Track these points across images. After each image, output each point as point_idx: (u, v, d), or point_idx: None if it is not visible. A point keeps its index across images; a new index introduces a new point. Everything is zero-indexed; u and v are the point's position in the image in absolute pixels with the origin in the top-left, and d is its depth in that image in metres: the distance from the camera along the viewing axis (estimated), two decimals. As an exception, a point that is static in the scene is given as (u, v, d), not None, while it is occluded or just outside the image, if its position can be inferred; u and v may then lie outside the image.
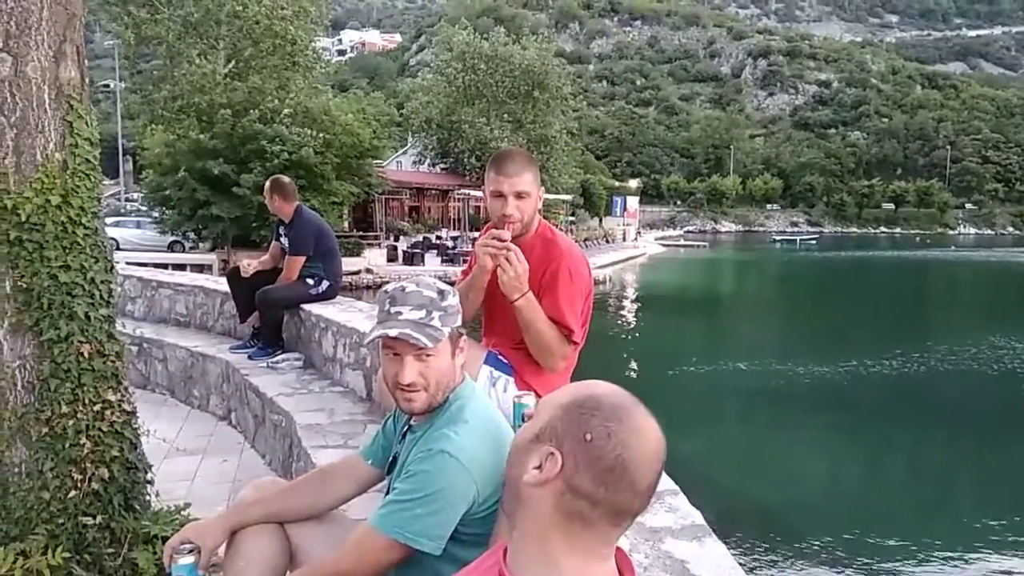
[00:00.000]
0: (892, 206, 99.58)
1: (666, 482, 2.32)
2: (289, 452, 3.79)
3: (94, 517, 2.36)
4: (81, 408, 2.35)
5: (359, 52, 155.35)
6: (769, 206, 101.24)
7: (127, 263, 10.44)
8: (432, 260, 27.72)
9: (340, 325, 4.53)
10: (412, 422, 1.71)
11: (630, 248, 47.95)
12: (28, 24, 2.19)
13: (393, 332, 1.57)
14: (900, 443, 11.07)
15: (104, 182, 2.66)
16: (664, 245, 57.45)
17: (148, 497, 2.64)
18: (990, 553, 7.22)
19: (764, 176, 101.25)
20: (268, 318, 5.15)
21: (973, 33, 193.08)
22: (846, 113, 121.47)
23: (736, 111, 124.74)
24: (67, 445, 2.32)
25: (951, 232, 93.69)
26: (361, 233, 31.05)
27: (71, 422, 2.33)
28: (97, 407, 2.39)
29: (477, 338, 2.63)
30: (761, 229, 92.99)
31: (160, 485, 2.75)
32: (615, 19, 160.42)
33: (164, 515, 2.60)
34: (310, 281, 5.18)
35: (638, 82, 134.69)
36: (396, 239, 32.94)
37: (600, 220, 57.63)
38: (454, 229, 38.81)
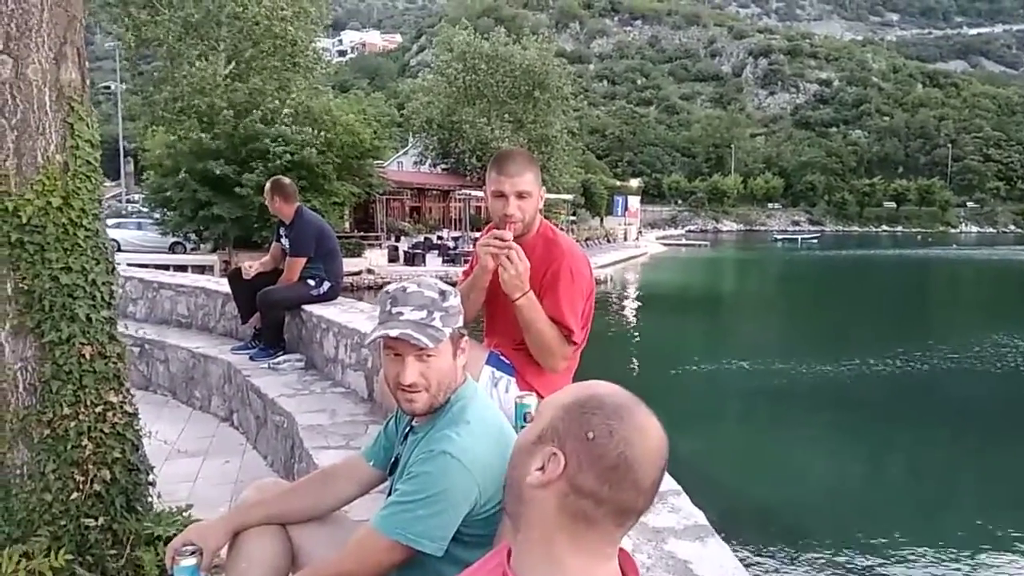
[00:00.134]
0: (893, 205, 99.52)
1: (669, 482, 2.32)
2: (291, 453, 3.78)
3: (96, 519, 2.36)
4: (83, 410, 2.35)
5: (360, 53, 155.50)
6: (770, 205, 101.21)
7: (128, 264, 10.44)
8: (433, 260, 27.72)
9: (341, 326, 4.53)
10: (414, 423, 1.71)
11: (631, 248, 47.92)
12: (28, 26, 2.19)
13: (394, 332, 1.57)
14: (902, 442, 11.05)
15: (105, 184, 2.66)
16: (665, 244, 57.43)
17: (150, 498, 2.64)
18: (993, 552, 7.21)
19: (765, 175, 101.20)
20: (269, 319, 5.15)
21: (974, 31, 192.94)
22: (847, 112, 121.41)
23: (737, 110, 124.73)
24: (69, 447, 2.32)
25: (953, 230, 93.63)
26: (362, 234, 31.07)
27: (73, 424, 2.33)
28: (99, 409, 2.39)
29: (479, 338, 2.63)
30: (762, 228, 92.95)
31: (162, 486, 2.76)
32: (615, 19, 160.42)
33: (166, 516, 2.61)
34: (311, 282, 5.18)
35: (639, 81, 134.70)
36: (397, 240, 32.95)
37: (601, 220, 57.64)
38: (455, 229, 38.80)
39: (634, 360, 15.63)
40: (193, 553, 1.64)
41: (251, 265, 5.31)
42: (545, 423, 1.04)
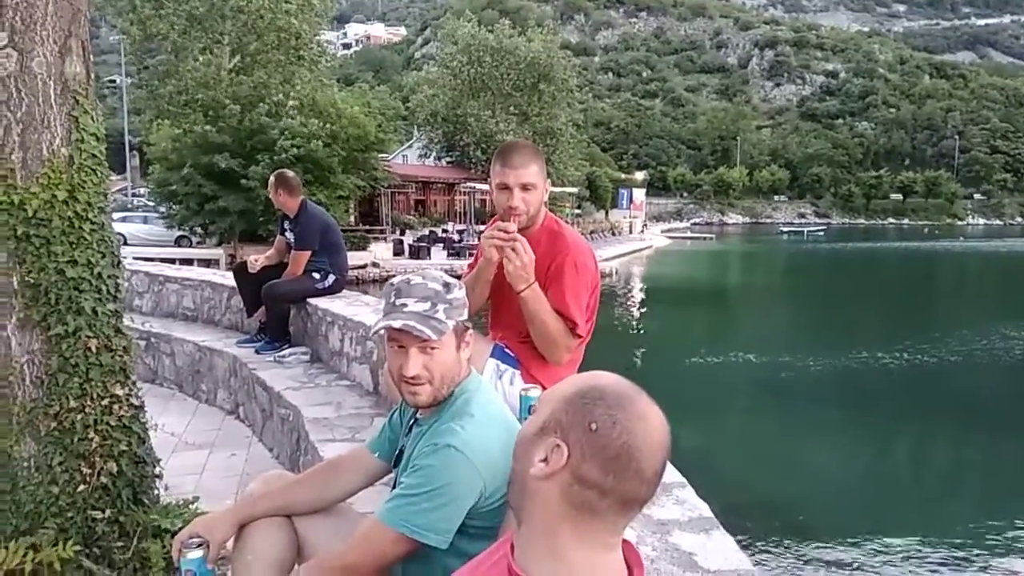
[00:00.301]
0: (900, 197, 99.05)
1: (673, 474, 2.32)
2: (296, 446, 3.80)
3: (103, 511, 2.38)
4: (89, 403, 2.36)
5: (364, 45, 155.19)
6: (776, 197, 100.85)
7: (134, 258, 10.47)
8: (438, 254, 27.72)
9: (346, 319, 4.54)
10: (418, 415, 1.71)
11: (636, 240, 47.85)
12: (33, 19, 2.19)
13: (397, 324, 1.57)
14: (908, 435, 11.04)
15: (111, 177, 2.66)
16: (670, 237, 57.33)
17: (157, 491, 2.65)
18: (999, 544, 7.21)
19: (771, 167, 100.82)
20: (275, 312, 5.16)
21: (982, 22, 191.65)
22: (853, 103, 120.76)
23: (743, 102, 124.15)
24: (75, 439, 2.33)
25: (959, 222, 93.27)
26: (367, 227, 31.09)
27: (79, 417, 2.34)
28: (105, 402, 2.40)
29: (483, 331, 2.63)
30: (768, 221, 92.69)
31: (168, 479, 2.77)
32: (620, 10, 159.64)
33: (173, 509, 2.62)
34: (316, 275, 5.19)
35: (644, 74, 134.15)
36: (402, 233, 32.97)
37: (606, 213, 57.57)
38: (460, 222, 38.81)
39: (639, 353, 15.63)
40: (200, 545, 1.65)
41: (256, 259, 5.32)
42: (547, 415, 1.04)
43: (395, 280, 1.67)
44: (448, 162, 44.63)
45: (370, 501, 2.10)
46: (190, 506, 2.69)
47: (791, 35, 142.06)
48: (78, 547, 2.27)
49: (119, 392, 2.44)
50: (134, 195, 44.06)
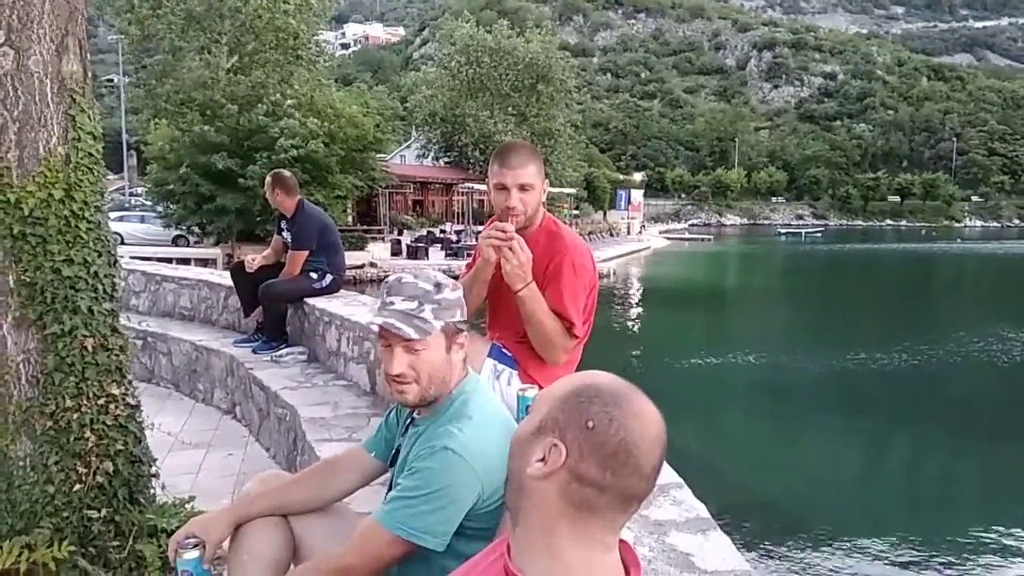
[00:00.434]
0: (898, 199, 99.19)
1: (670, 475, 2.32)
2: (293, 445, 3.79)
3: (99, 510, 2.37)
4: (85, 402, 2.35)
5: (363, 46, 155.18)
6: (774, 199, 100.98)
7: (131, 257, 10.45)
8: (436, 254, 27.72)
9: (344, 319, 4.54)
10: (415, 415, 1.71)
11: (634, 241, 47.85)
12: (30, 18, 2.18)
13: (379, 320, 1.59)
14: (906, 436, 11.06)
15: (108, 177, 2.66)
16: (668, 238, 57.34)
17: (153, 490, 2.65)
18: (997, 546, 7.22)
19: (769, 169, 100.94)
20: (272, 312, 5.16)
21: (980, 24, 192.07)
22: (851, 105, 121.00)
23: (741, 104, 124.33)
24: (71, 439, 2.33)
25: (957, 224, 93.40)
26: (365, 227, 31.08)
27: (75, 416, 2.33)
28: (101, 401, 2.39)
29: (481, 331, 2.63)
30: (766, 222, 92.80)
31: (165, 478, 2.76)
32: (619, 11, 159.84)
33: (169, 508, 2.61)
34: (313, 275, 5.18)
35: (642, 75, 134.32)
36: (400, 233, 32.96)
37: (604, 213, 57.58)
38: (458, 223, 38.81)
39: (637, 354, 15.63)
40: (196, 546, 1.64)
41: (254, 258, 5.32)
42: (543, 414, 1.04)
43: (390, 278, 1.68)
44: (446, 162, 44.62)
45: (367, 500, 2.10)
46: (186, 506, 2.68)
47: (789, 37, 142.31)
48: (73, 547, 2.27)
49: (115, 391, 2.43)
50: (131, 194, 43.97)
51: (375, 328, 1.62)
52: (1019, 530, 7.54)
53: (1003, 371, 14.68)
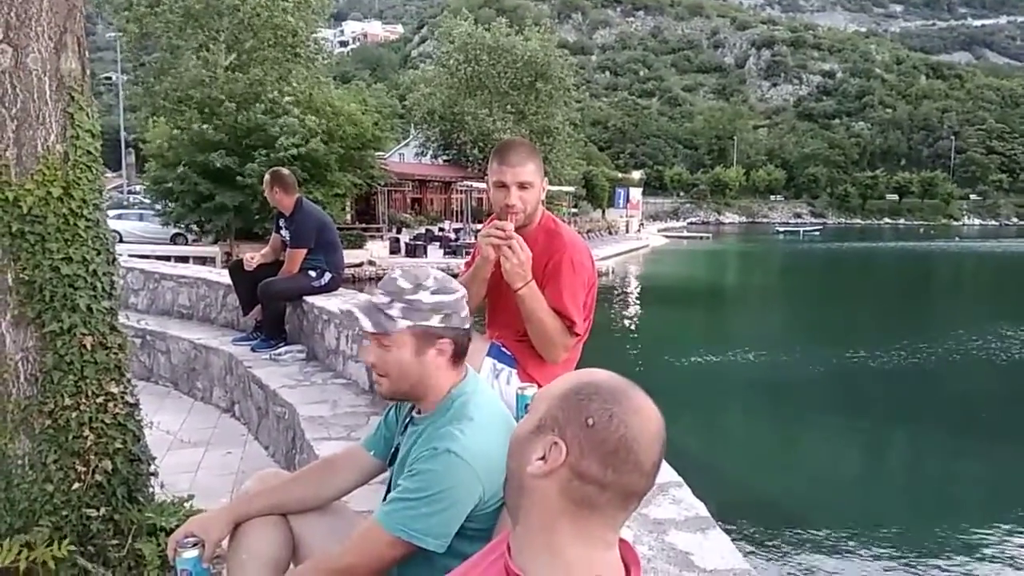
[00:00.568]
0: (896, 197, 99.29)
1: (670, 473, 2.32)
2: (292, 444, 3.79)
3: (98, 509, 2.36)
4: (84, 400, 2.35)
5: (361, 43, 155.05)
6: (773, 197, 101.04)
7: (130, 255, 10.44)
8: (435, 252, 27.72)
9: (342, 317, 4.53)
10: (414, 414, 1.71)
11: (633, 240, 47.88)
12: (28, 15, 2.18)
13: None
14: (905, 434, 11.07)
15: (106, 175, 2.65)
16: (667, 237, 57.39)
17: (152, 489, 2.64)
18: (995, 544, 7.23)
19: (767, 167, 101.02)
20: (270, 310, 5.15)
21: (978, 23, 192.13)
22: (850, 103, 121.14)
23: (740, 102, 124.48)
24: (70, 437, 2.32)
25: (955, 223, 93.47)
26: (364, 225, 31.08)
27: (74, 414, 2.33)
28: (100, 399, 2.39)
29: (481, 330, 2.63)
30: (765, 220, 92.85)
31: (164, 477, 2.76)
32: (618, 9, 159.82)
33: (168, 507, 2.61)
34: (312, 273, 5.18)
35: (641, 73, 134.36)
36: (399, 231, 32.95)
37: (603, 212, 57.57)
38: (457, 221, 38.78)
39: (636, 352, 15.64)
40: (195, 545, 1.64)
41: (253, 256, 5.31)
42: (543, 412, 1.04)
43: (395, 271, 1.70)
44: (445, 160, 44.58)
45: (366, 499, 2.10)
46: (185, 504, 2.68)
47: (788, 35, 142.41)
48: (72, 545, 2.26)
49: (114, 390, 2.43)
50: (130, 192, 43.95)
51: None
52: (1019, 529, 7.55)
53: (1002, 369, 14.71)
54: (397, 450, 1.73)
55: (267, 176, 5.23)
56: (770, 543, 7.04)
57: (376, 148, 29.31)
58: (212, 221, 25.49)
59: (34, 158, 2.23)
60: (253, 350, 5.09)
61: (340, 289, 5.38)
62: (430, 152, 44.89)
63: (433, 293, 1.60)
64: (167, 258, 16.51)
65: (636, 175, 72.69)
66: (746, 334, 18.68)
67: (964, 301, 28.28)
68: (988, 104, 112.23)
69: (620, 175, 69.15)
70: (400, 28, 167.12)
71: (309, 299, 5.10)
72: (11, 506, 2.27)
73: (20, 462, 2.30)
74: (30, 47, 2.19)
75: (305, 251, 5.13)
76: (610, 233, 49.88)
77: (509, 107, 41.98)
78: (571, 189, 43.11)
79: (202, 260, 21.60)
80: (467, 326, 1.65)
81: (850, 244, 57.28)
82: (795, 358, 15.11)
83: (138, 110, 32.89)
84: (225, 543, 1.74)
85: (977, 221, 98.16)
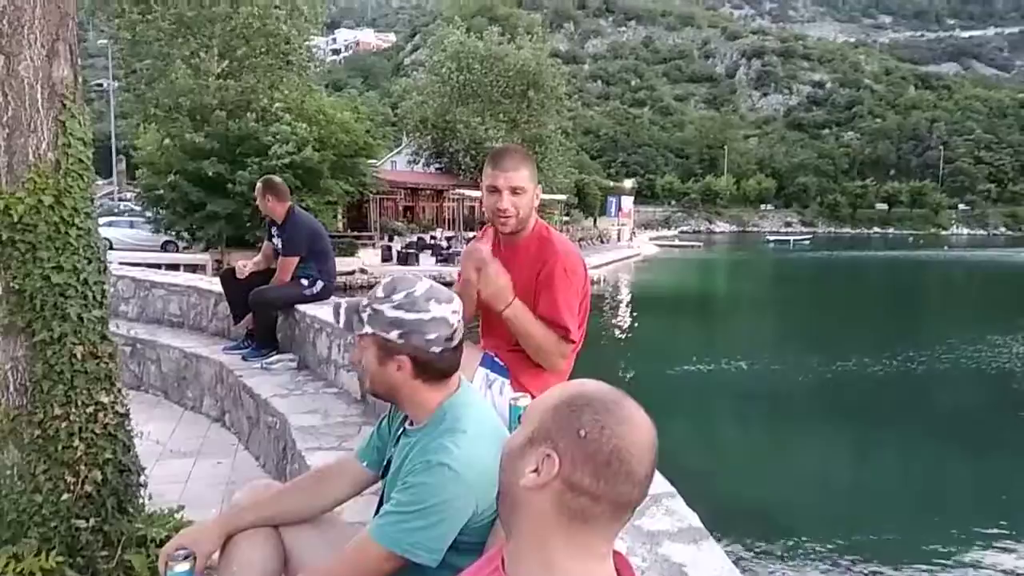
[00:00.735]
0: (885, 207, 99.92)
1: (663, 484, 2.32)
2: (283, 454, 3.77)
3: (87, 520, 2.35)
4: (74, 410, 2.33)
5: (354, 51, 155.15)
6: (763, 206, 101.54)
7: (120, 263, 10.39)
8: (426, 260, 27.71)
9: (334, 326, 4.50)
10: (407, 425, 1.70)
11: (625, 248, 47.96)
12: (21, 23, 2.17)
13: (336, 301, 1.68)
14: (895, 443, 11.09)
15: (97, 181, 2.64)
16: (659, 245, 57.52)
17: (141, 500, 2.62)
18: (985, 552, 7.25)
19: (758, 176, 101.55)
20: (262, 319, 5.13)
21: (966, 34, 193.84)
22: (840, 113, 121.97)
23: (730, 111, 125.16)
24: (60, 447, 2.31)
25: (944, 232, 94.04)
26: (355, 233, 31.03)
27: (64, 424, 2.31)
28: (90, 409, 2.37)
29: (475, 339, 2.63)
30: (755, 229, 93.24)
31: (153, 487, 2.74)
32: (610, 19, 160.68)
33: (158, 518, 2.59)
34: (304, 282, 5.16)
35: (633, 82, 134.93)
36: (390, 239, 32.92)
37: (595, 220, 57.73)
38: (449, 229, 38.79)
39: (628, 361, 15.64)
40: (186, 558, 1.63)
41: (245, 264, 5.29)
42: (535, 425, 1.04)
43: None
44: (437, 168, 44.61)
45: (357, 511, 2.09)
46: (175, 515, 2.66)
47: (778, 45, 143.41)
48: (61, 557, 2.25)
49: (104, 399, 2.41)
50: (120, 199, 43.77)
51: None
52: (1006, 536, 7.57)
53: (991, 378, 14.77)
54: (390, 461, 1.72)
55: (259, 184, 5.22)
56: (763, 553, 7.03)
57: (368, 156, 29.32)
58: (203, 229, 25.42)
59: (25, 166, 2.22)
60: (244, 359, 5.07)
61: (332, 298, 5.36)
62: (422, 160, 44.92)
63: (395, 308, 1.58)
64: (158, 266, 16.44)
65: (628, 184, 72.81)
66: (737, 343, 18.72)
67: (954, 310, 28.42)
68: (976, 114, 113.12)
69: (612, 184, 69.31)
70: (392, 36, 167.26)
71: (301, 308, 5.08)
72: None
73: (9, 472, 2.28)
74: (22, 55, 2.19)
75: (297, 259, 5.11)
76: (602, 241, 49.98)
77: (501, 115, 42.07)
78: (563, 197, 43.15)
79: (193, 268, 21.49)
80: (436, 348, 1.59)
81: (840, 253, 57.55)
82: (786, 367, 15.14)
83: (129, 117, 32.81)
84: (216, 556, 1.73)
85: (966, 231, 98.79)
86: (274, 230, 5.21)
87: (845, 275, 41.34)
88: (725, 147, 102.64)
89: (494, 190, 2.45)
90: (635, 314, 23.26)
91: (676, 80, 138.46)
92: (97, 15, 28.31)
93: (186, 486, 3.86)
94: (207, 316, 6.12)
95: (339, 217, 30.66)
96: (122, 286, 6.83)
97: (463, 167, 40.92)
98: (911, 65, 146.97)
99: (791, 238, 73.59)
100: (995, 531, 7.71)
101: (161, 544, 1.69)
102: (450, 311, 1.61)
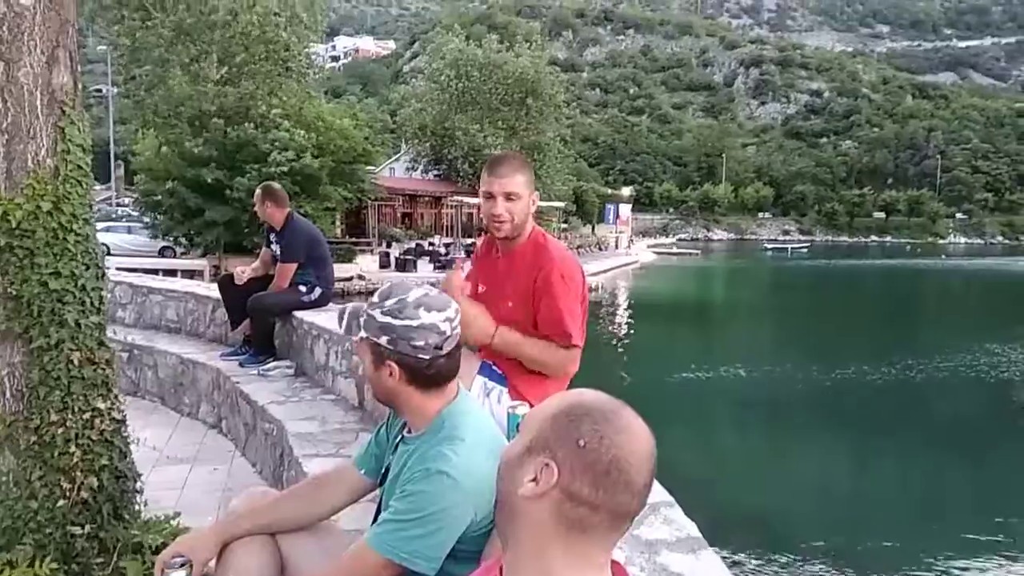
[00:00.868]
0: (883, 215, 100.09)
1: (661, 493, 2.31)
2: (280, 461, 3.76)
3: (83, 527, 2.34)
4: (70, 416, 2.32)
5: (353, 58, 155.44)
6: (761, 214, 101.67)
7: (117, 268, 10.38)
8: (424, 267, 27.71)
9: (332, 333, 4.51)
10: (405, 433, 1.70)
11: (623, 255, 48.02)
12: (21, 29, 2.17)
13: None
14: (893, 451, 11.10)
15: (95, 187, 2.64)
16: (656, 253, 57.58)
17: (137, 506, 2.61)
18: (981, 559, 7.24)
19: (756, 184, 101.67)
20: (259, 325, 5.13)
21: (963, 44, 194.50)
22: (837, 122, 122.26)
23: (728, 120, 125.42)
24: (56, 454, 2.30)
25: (941, 241, 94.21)
26: (354, 239, 31.05)
27: (60, 430, 2.30)
28: (87, 415, 2.36)
29: (473, 348, 2.63)
30: (753, 237, 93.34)
31: (149, 494, 2.73)
32: (608, 28, 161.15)
33: (153, 524, 2.58)
34: (303, 288, 5.16)
35: (631, 90, 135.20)
36: (389, 246, 32.93)
37: (593, 228, 57.81)
38: (447, 236, 38.82)
39: (626, 369, 15.63)
40: (183, 565, 1.62)
41: (243, 270, 5.29)
42: (533, 434, 1.03)
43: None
44: (435, 175, 44.68)
45: (355, 518, 2.08)
46: (171, 522, 2.65)
47: (776, 54, 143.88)
48: (56, 563, 2.23)
49: (101, 405, 2.40)
50: (118, 205, 43.76)
51: None
52: (1004, 544, 7.57)
53: (989, 386, 14.79)
54: (388, 469, 1.71)
55: (258, 190, 5.22)
56: (762, 563, 7.02)
57: (367, 162, 29.36)
58: (201, 235, 25.42)
59: (24, 172, 2.22)
60: (241, 365, 5.06)
61: (330, 304, 5.36)
62: (421, 167, 45.00)
63: (384, 313, 1.60)
64: (155, 271, 16.43)
65: (626, 191, 72.95)
66: (735, 351, 18.72)
67: (952, 319, 28.46)
68: (973, 124, 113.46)
69: (610, 191, 69.49)
70: (392, 44, 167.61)
71: (299, 314, 5.08)
72: (-6, 524, 2.24)
73: (4, 479, 2.27)
74: (22, 61, 2.19)
75: (295, 266, 5.11)
76: (600, 249, 50.05)
77: (500, 123, 42.16)
78: (561, 205, 43.25)
79: (190, 274, 21.48)
80: (424, 355, 1.58)
81: (837, 262, 57.64)
82: (784, 375, 15.14)
83: (128, 123, 32.81)
84: (213, 563, 1.72)
85: (963, 239, 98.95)
86: (273, 236, 5.21)
87: (843, 283, 41.40)
88: (723, 155, 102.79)
89: (489, 196, 2.47)
90: (633, 321, 23.26)
91: (674, 88, 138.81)
92: (97, 21, 28.33)
93: (182, 493, 3.85)
94: (204, 322, 6.11)
95: (337, 223, 30.69)
96: (119, 292, 6.82)
97: (461, 174, 40.99)
98: (908, 74, 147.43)
99: (789, 246, 73.67)
100: (993, 539, 7.71)
101: (157, 551, 1.68)
102: (442, 319, 1.60)
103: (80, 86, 2.41)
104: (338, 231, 30.67)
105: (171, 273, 19.06)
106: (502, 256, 2.59)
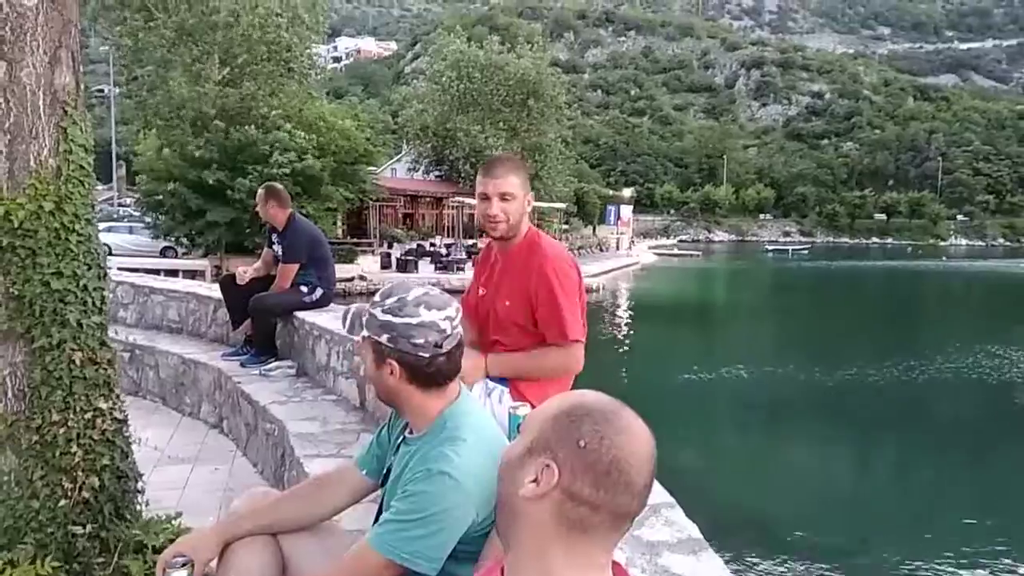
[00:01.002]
0: (884, 217, 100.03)
1: (662, 494, 2.31)
2: (281, 461, 3.76)
3: (84, 526, 2.34)
4: (72, 416, 2.33)
5: (354, 59, 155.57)
6: (762, 216, 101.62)
7: (119, 268, 10.39)
8: (426, 267, 27.70)
9: (333, 333, 4.51)
10: (406, 434, 1.70)
11: (624, 257, 47.97)
12: (23, 30, 2.18)
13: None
14: (894, 452, 11.10)
15: (97, 187, 2.64)
16: (657, 254, 57.54)
17: (139, 506, 2.61)
18: (982, 561, 7.24)
19: (757, 186, 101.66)
20: (261, 325, 5.13)
21: (965, 46, 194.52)
22: (838, 124, 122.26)
23: (729, 121, 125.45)
24: (58, 453, 2.30)
25: (942, 243, 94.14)
26: (355, 240, 31.09)
27: (62, 430, 2.30)
28: (88, 415, 2.36)
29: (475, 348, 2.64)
30: (754, 239, 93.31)
31: (151, 493, 2.73)
32: (610, 29, 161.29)
33: (155, 524, 2.58)
34: (304, 289, 5.16)
35: (632, 92, 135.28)
36: (390, 246, 32.93)
37: (594, 229, 57.81)
38: (448, 236, 38.82)
39: (626, 370, 15.63)
40: (184, 565, 1.62)
41: (245, 270, 5.29)
42: (534, 435, 1.03)
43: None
44: (437, 176, 44.72)
45: (356, 519, 2.08)
46: (172, 521, 2.65)
47: (777, 56, 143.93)
48: (57, 563, 2.24)
49: (103, 405, 2.41)
50: (120, 205, 43.80)
51: None
52: (1005, 545, 7.56)
53: (991, 388, 14.77)
54: (389, 470, 1.71)
55: (261, 191, 5.23)
56: (763, 564, 7.01)
57: (368, 163, 29.39)
58: (203, 235, 25.45)
59: (27, 172, 2.22)
60: (243, 365, 5.06)
61: (331, 304, 5.36)
62: (422, 168, 45.06)
63: (384, 312, 1.61)
64: (156, 271, 16.44)
65: (627, 192, 72.92)
66: (736, 352, 18.71)
67: (953, 320, 28.43)
68: (974, 126, 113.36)
69: (611, 192, 69.49)
70: (393, 45, 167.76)
71: (300, 314, 5.08)
72: (-4, 523, 2.24)
73: (6, 478, 2.27)
74: (25, 61, 2.19)
75: (297, 266, 5.12)
76: (601, 250, 50.03)
77: (501, 124, 42.20)
78: (562, 206, 43.26)
79: (192, 274, 21.49)
80: (424, 354, 1.58)
81: (838, 263, 57.60)
82: (785, 376, 15.13)
83: (130, 123, 32.85)
84: (214, 563, 1.72)
85: (964, 241, 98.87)
86: (274, 237, 5.22)
87: (844, 285, 41.38)
88: (724, 157, 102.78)
89: (484, 197, 2.50)
90: (634, 323, 23.26)
91: (675, 90, 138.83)
92: (99, 21, 28.34)
93: (184, 492, 3.85)
94: (206, 322, 6.12)
95: (339, 224, 30.73)
96: (121, 292, 6.83)
97: (463, 175, 41.02)
98: (910, 76, 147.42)
99: (790, 247, 73.60)
100: (993, 540, 7.70)
101: (158, 551, 1.68)
102: (442, 317, 1.60)
103: (82, 86, 2.41)
104: (339, 232, 30.70)
105: (173, 273, 19.07)
106: (499, 257, 2.62)
